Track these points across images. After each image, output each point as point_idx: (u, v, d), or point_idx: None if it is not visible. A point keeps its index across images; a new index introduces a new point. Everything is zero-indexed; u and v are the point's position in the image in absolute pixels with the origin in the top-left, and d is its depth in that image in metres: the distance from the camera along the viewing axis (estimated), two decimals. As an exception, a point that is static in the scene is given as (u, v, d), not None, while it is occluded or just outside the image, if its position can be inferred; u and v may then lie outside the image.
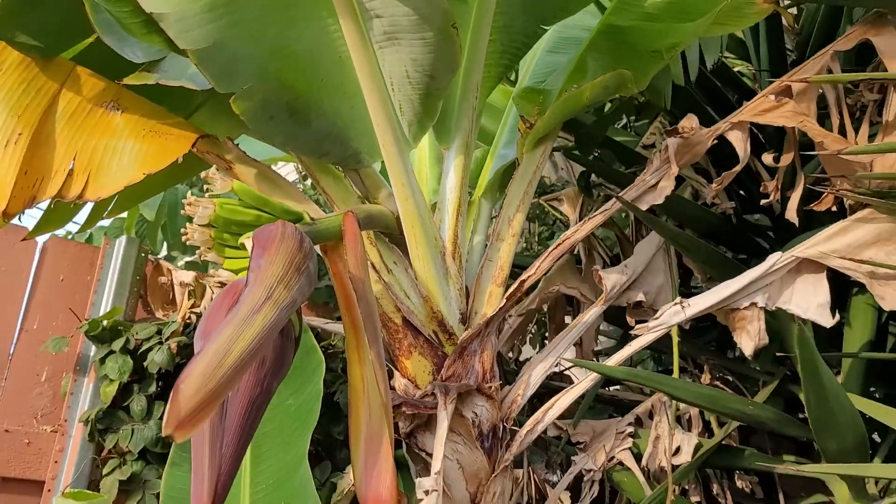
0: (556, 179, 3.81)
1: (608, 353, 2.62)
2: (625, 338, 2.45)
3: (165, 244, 3.43)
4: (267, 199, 1.36)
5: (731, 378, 2.21)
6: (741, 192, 2.27)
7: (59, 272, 2.35)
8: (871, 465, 1.63)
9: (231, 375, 1.02)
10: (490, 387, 1.60)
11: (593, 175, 2.34)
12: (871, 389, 2.08)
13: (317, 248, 1.47)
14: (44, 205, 1.48)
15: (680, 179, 2.23)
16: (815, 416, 1.56)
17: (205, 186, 1.37)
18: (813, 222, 1.81)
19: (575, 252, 2.44)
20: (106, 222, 3.51)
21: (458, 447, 1.55)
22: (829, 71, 1.54)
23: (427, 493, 1.25)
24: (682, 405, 2.09)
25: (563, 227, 3.10)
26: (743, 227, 2.20)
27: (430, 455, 1.46)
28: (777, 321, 1.85)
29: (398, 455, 1.65)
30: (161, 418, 2.17)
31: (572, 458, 1.94)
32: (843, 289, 1.80)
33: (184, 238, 1.40)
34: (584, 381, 1.63)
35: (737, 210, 2.15)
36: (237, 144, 1.59)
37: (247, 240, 1.24)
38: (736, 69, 2.49)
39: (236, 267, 1.43)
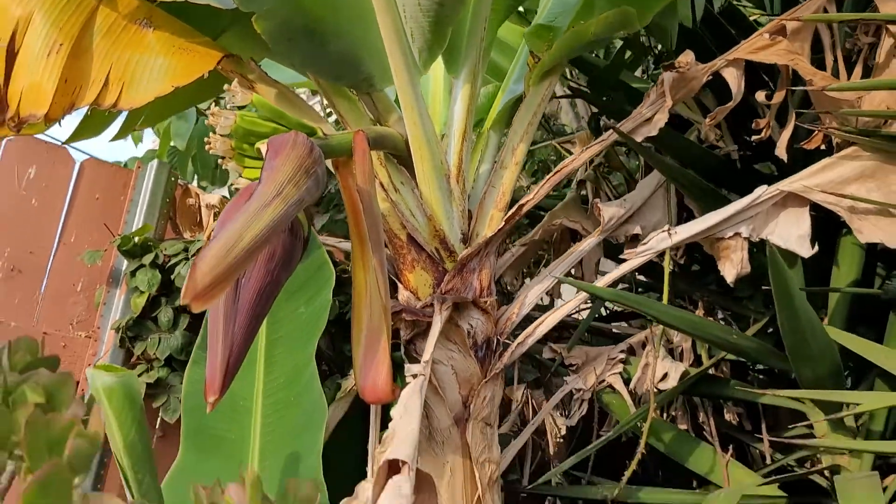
0: (577, 128, 3.88)
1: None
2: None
3: (196, 176, 3.58)
4: (283, 113, 1.47)
5: (725, 315, 2.31)
6: (748, 137, 2.34)
7: (95, 191, 2.50)
8: (845, 392, 1.72)
9: (242, 258, 1.15)
10: (486, 301, 1.72)
11: (604, 117, 2.42)
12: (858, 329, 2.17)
13: (329, 163, 1.60)
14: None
15: (688, 123, 2.31)
16: (790, 342, 1.66)
17: (226, 97, 1.49)
18: (809, 163, 1.88)
19: (583, 193, 2.54)
20: (140, 152, 3.67)
21: (453, 354, 1.68)
22: (825, 11, 1.60)
23: (415, 376, 1.38)
24: (675, 339, 2.20)
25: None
26: (747, 172, 2.27)
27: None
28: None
29: (396, 357, 1.78)
30: (186, 329, 2.34)
31: (564, 378, 2.06)
32: (833, 230, 1.88)
33: (207, 147, 1.52)
34: (573, 300, 1.74)
35: (744, 156, 2.23)
36: (259, 66, 1.71)
37: (262, 145, 1.37)
38: (752, 18, 2.53)
39: (254, 176, 1.55)
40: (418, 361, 1.70)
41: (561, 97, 2.37)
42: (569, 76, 2.73)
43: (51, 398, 0.72)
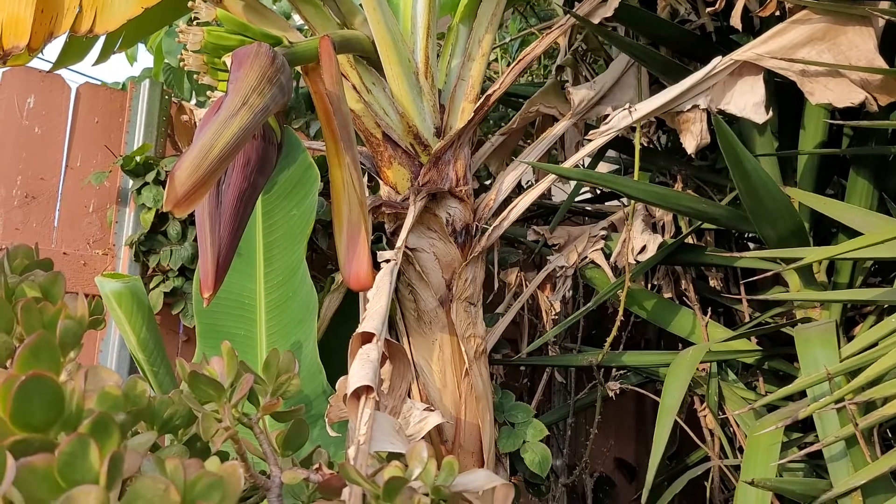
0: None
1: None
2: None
3: (193, 91, 3.65)
4: (247, 24, 1.55)
5: (704, 187, 2.39)
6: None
7: (93, 115, 2.60)
8: (804, 249, 1.82)
9: (216, 164, 1.26)
10: (461, 190, 1.82)
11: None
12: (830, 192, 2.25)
13: (299, 68, 1.68)
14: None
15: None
16: (748, 204, 1.75)
17: (192, 15, 1.56)
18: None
19: (565, 79, 2.58)
20: (136, 71, 3.73)
21: (434, 242, 1.81)
22: None
23: (387, 261, 1.51)
24: (657, 213, 2.30)
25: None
26: (722, 44, 2.30)
27: (407, 247, 1.72)
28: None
29: (379, 248, 1.91)
30: (195, 240, 2.48)
31: (547, 258, 2.19)
32: (800, 94, 1.93)
33: (181, 64, 1.61)
34: (543, 182, 1.84)
35: (720, 28, 2.25)
36: (225, -21, 1.76)
37: (227, 58, 1.45)
38: None
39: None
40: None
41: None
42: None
43: (46, 293, 0.85)
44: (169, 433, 1.00)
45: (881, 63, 1.57)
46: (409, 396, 1.59)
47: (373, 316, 1.27)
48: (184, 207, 1.25)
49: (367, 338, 1.23)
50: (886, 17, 1.51)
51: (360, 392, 1.08)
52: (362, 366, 1.10)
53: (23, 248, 0.92)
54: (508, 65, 3.53)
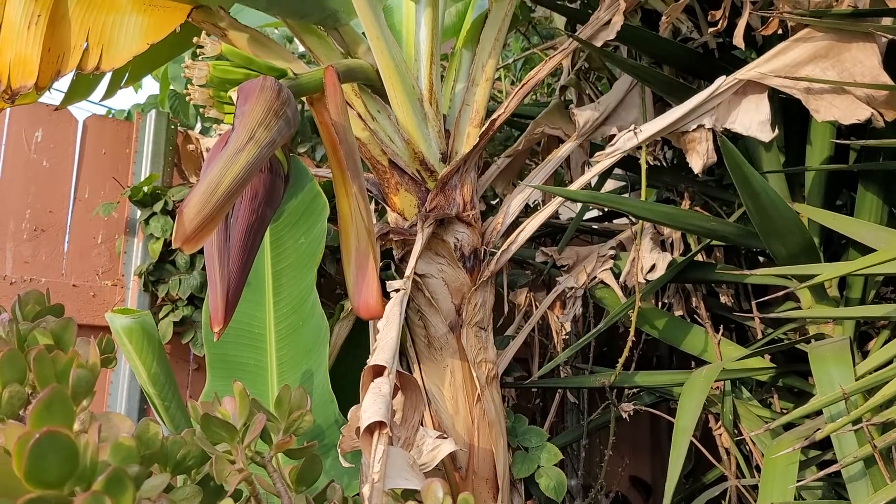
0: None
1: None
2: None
3: (199, 117, 3.67)
4: (252, 58, 1.56)
5: (713, 204, 2.38)
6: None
7: (101, 146, 2.62)
8: (814, 266, 1.81)
9: (223, 200, 1.27)
10: (469, 215, 1.82)
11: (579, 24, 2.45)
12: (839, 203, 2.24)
13: (305, 100, 1.68)
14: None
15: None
16: (757, 222, 1.75)
17: (197, 51, 1.57)
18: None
19: (569, 98, 2.59)
20: (141, 99, 3.76)
21: (443, 267, 1.80)
22: None
23: (397, 290, 1.50)
24: (665, 231, 2.30)
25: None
26: (725, 60, 2.30)
27: (415, 273, 1.71)
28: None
29: (388, 275, 1.91)
30: (203, 269, 2.48)
31: (556, 279, 2.18)
32: (805, 109, 1.93)
33: (188, 99, 1.62)
34: (550, 204, 1.84)
35: (722, 45, 2.25)
36: (229, 13, 1.78)
37: (233, 93, 1.46)
38: None
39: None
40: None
41: (536, 1, 2.39)
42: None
43: (58, 340, 0.85)
44: (182, 474, 1.00)
45: (886, 79, 1.57)
46: (422, 424, 1.59)
47: (384, 348, 1.27)
48: (193, 244, 1.25)
49: (379, 371, 1.23)
50: (889, 34, 1.51)
51: (372, 428, 1.07)
52: (374, 401, 1.10)
53: (34, 293, 0.92)
54: (512, 83, 3.56)
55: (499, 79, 3.58)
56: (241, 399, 0.94)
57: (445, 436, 1.51)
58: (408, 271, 1.57)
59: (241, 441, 0.92)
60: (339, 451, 1.55)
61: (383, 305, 1.55)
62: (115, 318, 1.56)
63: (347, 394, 1.72)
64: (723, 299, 2.44)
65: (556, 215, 3.06)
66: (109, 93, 1.97)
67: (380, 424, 1.06)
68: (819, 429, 1.59)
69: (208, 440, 0.93)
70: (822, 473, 1.51)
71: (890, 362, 1.59)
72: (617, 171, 2.84)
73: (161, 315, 2.50)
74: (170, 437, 0.95)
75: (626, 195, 2.79)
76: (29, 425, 0.61)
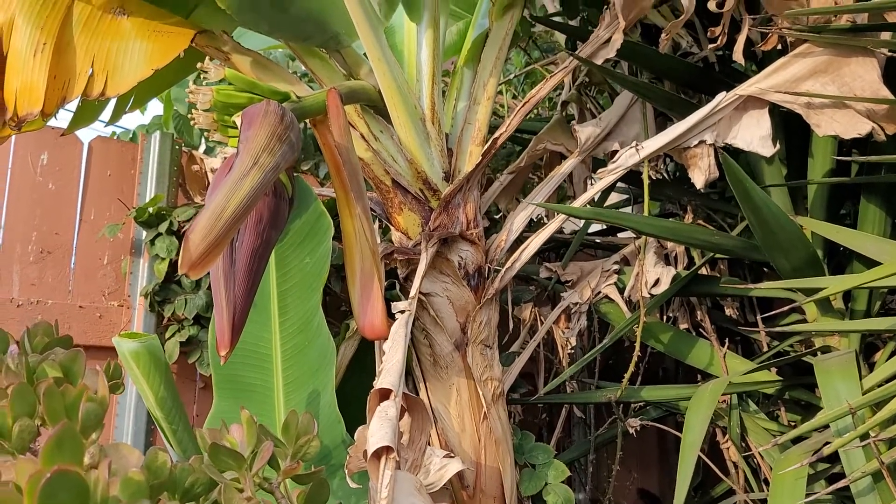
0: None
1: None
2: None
3: (203, 137, 3.70)
4: (255, 82, 1.57)
5: (715, 216, 2.39)
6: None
7: (106, 168, 2.64)
8: (818, 279, 1.81)
9: (228, 226, 1.27)
10: (472, 233, 1.83)
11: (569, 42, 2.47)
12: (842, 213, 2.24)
13: (307, 122, 1.70)
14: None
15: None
16: (760, 237, 1.75)
17: (201, 76, 1.59)
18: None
19: (571, 113, 2.60)
20: (146, 119, 3.79)
21: (447, 286, 1.81)
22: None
23: (402, 312, 1.51)
24: (669, 245, 2.30)
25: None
26: (726, 74, 2.31)
27: (420, 292, 1.72)
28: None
29: (392, 294, 1.92)
30: (208, 288, 2.49)
31: (561, 294, 2.18)
32: (806, 124, 1.94)
33: (192, 123, 1.64)
34: (553, 222, 1.84)
35: (722, 57, 2.26)
36: (232, 37, 1.79)
37: (237, 118, 1.47)
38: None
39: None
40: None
41: (537, 19, 2.40)
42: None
43: (66, 372, 0.86)
44: (190, 501, 1.00)
45: (886, 93, 1.57)
46: (429, 443, 1.59)
47: (389, 371, 1.27)
48: (199, 269, 1.25)
49: (385, 394, 1.23)
50: (888, 50, 1.51)
51: (379, 453, 1.08)
52: (381, 425, 1.10)
53: (42, 325, 0.93)
54: (514, 97, 3.57)
55: (500, 93, 3.59)
56: (249, 427, 0.94)
57: (452, 455, 1.51)
58: (413, 292, 1.58)
59: (249, 468, 0.93)
60: (346, 471, 1.56)
61: (389, 326, 1.56)
62: (122, 343, 1.57)
63: (354, 413, 1.72)
64: (728, 312, 2.44)
65: (559, 229, 3.07)
66: (114, 118, 1.98)
67: (387, 449, 1.07)
68: (827, 442, 1.59)
69: (216, 468, 0.93)
70: (831, 489, 1.51)
71: (896, 375, 1.59)
72: (620, 183, 2.85)
73: (167, 335, 2.51)
74: (178, 464, 0.96)
75: (629, 207, 2.80)
76: (40, 463, 0.62)
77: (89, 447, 0.75)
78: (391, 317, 1.58)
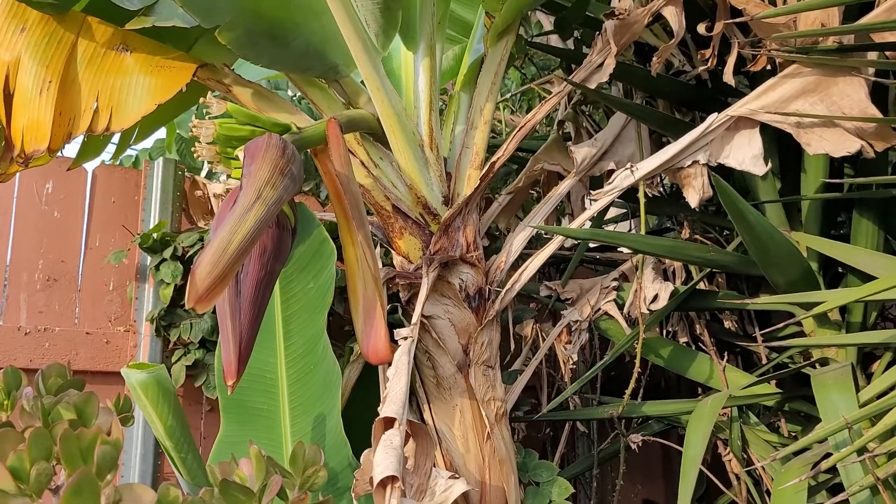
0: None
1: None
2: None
3: (206, 162, 3.74)
4: (257, 115, 1.61)
5: (711, 231, 2.42)
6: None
7: (110, 195, 2.68)
8: (813, 293, 1.84)
9: (233, 260, 1.31)
10: (472, 256, 1.86)
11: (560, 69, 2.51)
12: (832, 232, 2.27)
13: (308, 151, 1.73)
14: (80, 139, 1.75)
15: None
16: (754, 253, 1.78)
17: (204, 110, 1.63)
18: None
19: (567, 132, 2.64)
20: (149, 144, 3.83)
21: (449, 308, 1.84)
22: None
23: (405, 338, 1.54)
24: (667, 261, 2.33)
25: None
26: (720, 91, 2.35)
27: (422, 315, 1.75)
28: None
29: (395, 318, 1.95)
30: (213, 312, 2.52)
31: (561, 312, 2.21)
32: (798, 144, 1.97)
33: (196, 156, 1.67)
34: (552, 243, 1.87)
35: (715, 74, 2.29)
36: (233, 69, 1.83)
37: (240, 151, 1.51)
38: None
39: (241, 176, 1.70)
40: (416, 320, 1.86)
41: (531, 44, 2.44)
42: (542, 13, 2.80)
43: (80, 413, 0.89)
44: (202, 534, 1.03)
45: (874, 111, 1.60)
46: (434, 465, 1.61)
47: (393, 399, 1.30)
48: (205, 303, 1.29)
49: (389, 423, 1.26)
50: (874, 69, 1.55)
51: (385, 482, 1.10)
52: (386, 454, 1.13)
53: (55, 367, 0.96)
54: (512, 112, 3.61)
55: (497, 108, 3.63)
56: (258, 461, 0.97)
57: (457, 475, 1.53)
58: (415, 317, 1.61)
59: (258, 502, 0.96)
60: (352, 495, 1.58)
61: (392, 350, 1.59)
62: (130, 374, 1.60)
63: (360, 435, 1.74)
64: (727, 324, 2.47)
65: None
66: (119, 151, 2.02)
67: (392, 479, 1.09)
68: (826, 455, 1.62)
69: (226, 503, 0.96)
70: (830, 502, 1.53)
71: (893, 388, 1.62)
72: (618, 199, 2.88)
73: (174, 359, 2.54)
74: (189, 497, 0.99)
75: (628, 221, 2.84)
76: (61, 511, 0.65)
77: (105, 488, 0.78)
78: (394, 341, 1.61)
